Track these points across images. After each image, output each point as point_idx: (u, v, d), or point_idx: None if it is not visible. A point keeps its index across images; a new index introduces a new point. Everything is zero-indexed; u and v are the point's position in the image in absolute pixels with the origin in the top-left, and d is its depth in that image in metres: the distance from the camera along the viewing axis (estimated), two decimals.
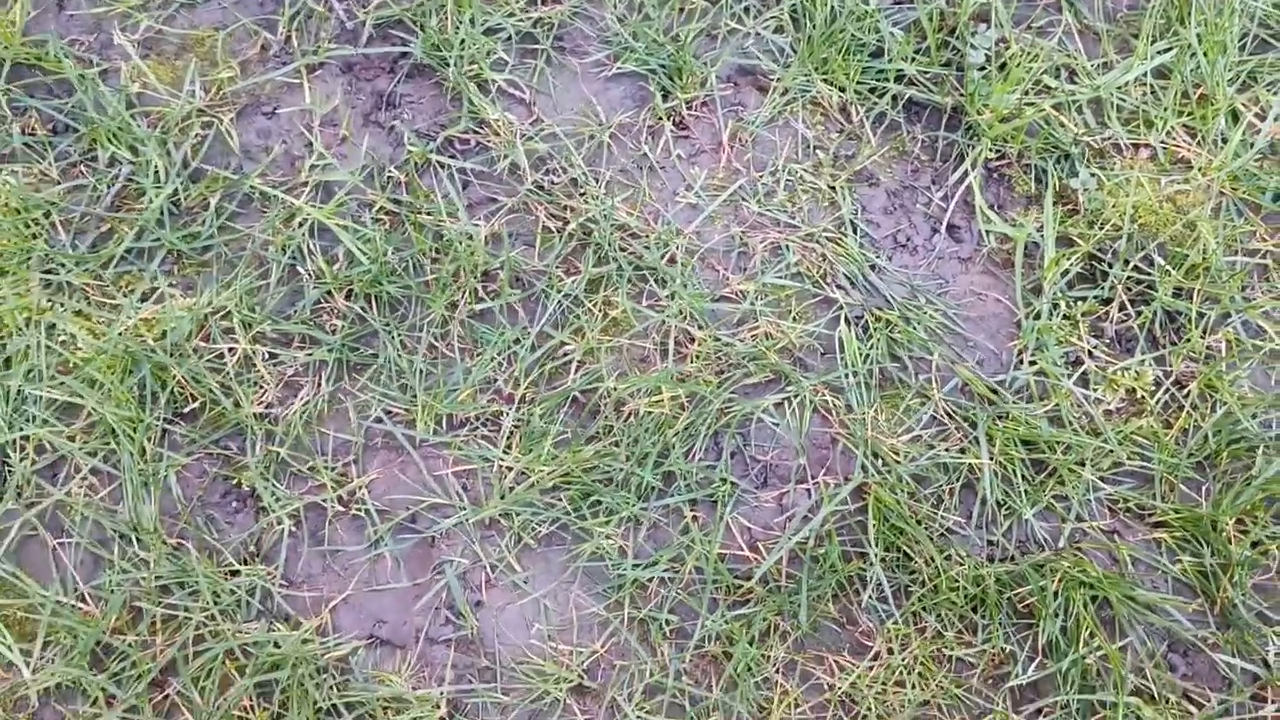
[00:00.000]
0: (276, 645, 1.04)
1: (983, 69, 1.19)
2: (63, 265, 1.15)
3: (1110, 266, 1.15)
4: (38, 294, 1.15)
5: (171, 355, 1.11)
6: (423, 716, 1.02)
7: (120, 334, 1.12)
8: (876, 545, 1.06)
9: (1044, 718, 1.05)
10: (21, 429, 1.09)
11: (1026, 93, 1.20)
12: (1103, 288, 1.15)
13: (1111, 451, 1.09)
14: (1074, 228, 1.16)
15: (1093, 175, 1.16)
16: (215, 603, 1.04)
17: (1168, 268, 1.15)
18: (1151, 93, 1.22)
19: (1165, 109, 1.21)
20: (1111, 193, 1.15)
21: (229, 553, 1.07)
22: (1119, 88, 1.20)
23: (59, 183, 1.18)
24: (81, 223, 1.18)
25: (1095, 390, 1.12)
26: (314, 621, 1.05)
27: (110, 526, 1.08)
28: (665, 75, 1.22)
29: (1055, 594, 1.04)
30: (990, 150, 1.19)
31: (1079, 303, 1.14)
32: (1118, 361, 1.13)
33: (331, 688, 1.03)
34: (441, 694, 1.04)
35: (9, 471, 1.10)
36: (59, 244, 1.16)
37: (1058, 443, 1.09)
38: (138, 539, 1.08)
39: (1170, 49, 1.22)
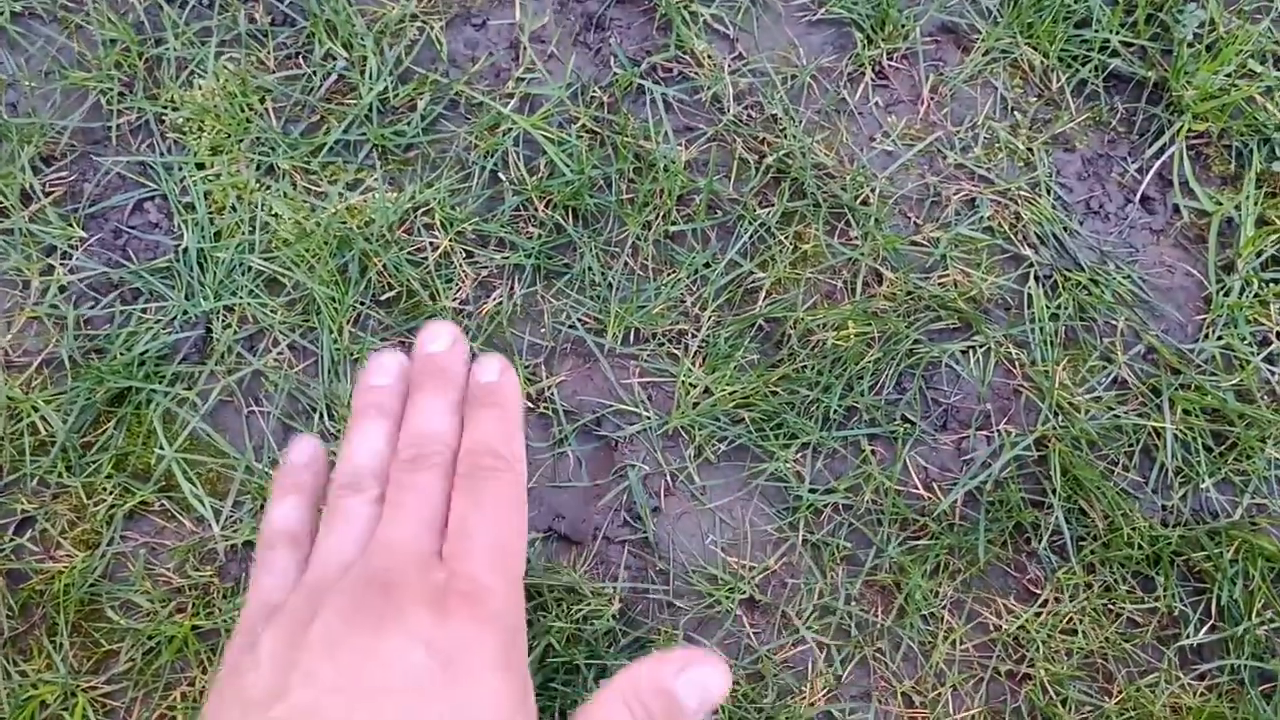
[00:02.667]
0: None
1: (1191, 46, 1.20)
2: (274, 149, 1.19)
3: None
4: (249, 173, 1.19)
5: (374, 243, 1.14)
6: (597, 609, 1.05)
7: (328, 218, 1.16)
8: (1055, 496, 1.07)
9: (1209, 681, 1.05)
10: (226, 300, 1.14)
11: (1230, 75, 1.20)
12: None
13: None
14: (1272, 210, 1.16)
15: None
16: None
17: None
18: None
19: None
20: None
21: None
22: None
23: (274, 72, 1.23)
24: (294, 111, 1.22)
25: None
26: None
27: (305, 401, 1.12)
28: (869, 24, 1.24)
29: (1232, 562, 1.04)
30: (1190, 127, 1.20)
31: (1271, 284, 1.15)
32: None
33: None
34: (615, 590, 1.06)
35: (212, 339, 1.14)
36: (271, 129, 1.20)
37: (1241, 416, 1.09)
38: (329, 413, 1.12)
39: None
